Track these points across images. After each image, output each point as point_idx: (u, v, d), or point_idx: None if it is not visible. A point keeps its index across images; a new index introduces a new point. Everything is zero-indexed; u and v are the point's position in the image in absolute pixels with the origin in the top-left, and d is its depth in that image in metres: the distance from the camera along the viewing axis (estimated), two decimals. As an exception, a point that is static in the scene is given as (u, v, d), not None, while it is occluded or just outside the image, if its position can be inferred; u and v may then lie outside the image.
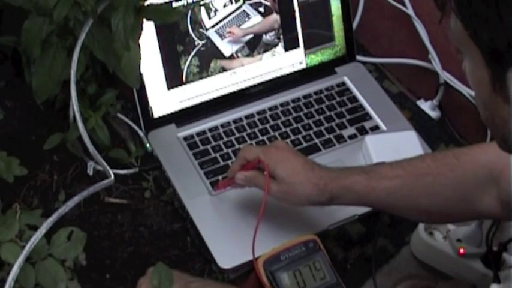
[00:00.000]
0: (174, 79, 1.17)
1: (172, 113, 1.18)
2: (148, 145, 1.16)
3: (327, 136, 1.20)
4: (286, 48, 1.25)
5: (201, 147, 1.15)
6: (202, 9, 1.16)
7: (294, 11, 1.24)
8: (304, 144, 1.18)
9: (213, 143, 1.16)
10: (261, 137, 1.18)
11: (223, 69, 1.20)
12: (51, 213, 0.92)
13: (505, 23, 0.57)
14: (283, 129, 1.20)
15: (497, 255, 1.01)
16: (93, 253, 1.03)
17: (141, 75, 1.08)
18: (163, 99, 1.17)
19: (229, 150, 1.15)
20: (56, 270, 0.87)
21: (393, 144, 1.14)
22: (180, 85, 1.18)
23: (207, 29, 1.17)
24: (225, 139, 1.17)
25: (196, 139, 1.16)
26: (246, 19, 1.21)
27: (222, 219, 1.07)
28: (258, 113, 1.21)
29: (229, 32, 1.20)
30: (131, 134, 1.18)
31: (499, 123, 0.66)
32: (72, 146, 1.12)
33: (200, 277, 1.01)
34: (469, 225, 1.03)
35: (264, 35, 1.23)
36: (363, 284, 1.05)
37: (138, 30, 0.99)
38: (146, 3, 1.01)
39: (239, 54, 1.21)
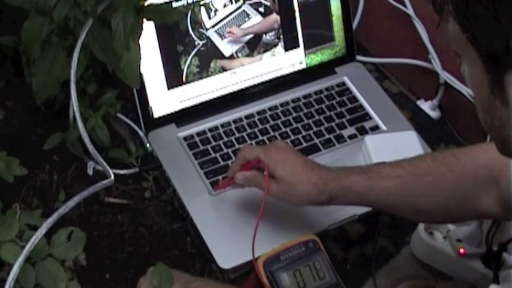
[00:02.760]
0: (174, 79, 1.17)
1: (172, 113, 1.18)
2: (148, 145, 1.16)
3: (327, 136, 1.20)
4: (286, 48, 1.25)
5: (201, 147, 1.15)
6: (202, 9, 1.17)
7: (294, 11, 1.24)
8: (304, 144, 1.18)
9: (213, 143, 1.16)
10: (261, 137, 1.18)
11: (223, 69, 1.20)
12: (51, 213, 0.92)
13: (503, 26, 0.57)
14: (283, 129, 1.20)
15: (497, 255, 1.01)
16: (93, 253, 1.03)
17: (141, 75, 1.08)
18: (163, 99, 1.17)
19: (229, 150, 1.15)
20: (56, 270, 0.87)
21: (393, 144, 1.15)
22: (180, 85, 1.18)
23: (207, 29, 1.17)
24: (225, 139, 1.17)
25: (196, 139, 1.16)
26: (246, 19, 1.21)
27: (222, 219, 1.07)
28: (258, 113, 1.21)
29: (229, 32, 1.20)
30: (131, 134, 1.18)
31: (498, 126, 0.66)
32: (72, 146, 1.12)
33: (200, 277, 1.01)
34: (469, 225, 1.03)
35: (264, 35, 1.23)
36: (363, 284, 1.05)
37: (138, 30, 0.99)
38: (146, 3, 1.01)
39: (239, 54, 1.21)
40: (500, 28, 0.57)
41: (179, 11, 1.14)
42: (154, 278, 0.89)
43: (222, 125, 1.19)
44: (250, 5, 1.21)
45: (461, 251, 1.03)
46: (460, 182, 0.92)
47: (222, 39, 1.19)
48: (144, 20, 0.99)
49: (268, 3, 1.22)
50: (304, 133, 1.19)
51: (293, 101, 1.24)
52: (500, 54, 0.59)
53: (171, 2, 1.13)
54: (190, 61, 1.17)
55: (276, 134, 1.19)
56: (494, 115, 0.65)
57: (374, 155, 1.13)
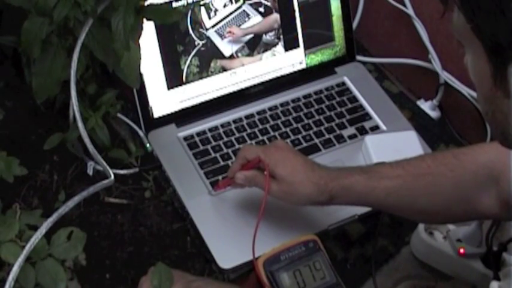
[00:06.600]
0: (174, 79, 1.17)
1: (172, 113, 1.18)
2: (148, 145, 1.16)
3: (327, 136, 1.20)
4: (286, 48, 1.25)
5: (201, 147, 1.15)
6: (202, 9, 1.17)
7: (294, 11, 1.24)
8: (304, 144, 1.18)
9: (213, 143, 1.16)
10: (261, 137, 1.18)
11: (223, 69, 1.20)
12: (51, 213, 0.92)
13: (507, 17, 0.57)
14: (283, 129, 1.20)
15: (497, 255, 1.01)
16: (93, 253, 1.03)
17: (141, 75, 1.08)
18: (163, 99, 1.17)
19: (229, 150, 1.15)
20: (56, 270, 0.87)
21: (393, 144, 1.15)
22: (180, 85, 1.18)
23: (207, 29, 1.17)
24: (225, 139, 1.17)
25: (196, 139, 1.16)
26: (246, 19, 1.21)
27: (222, 219, 1.07)
28: (258, 113, 1.21)
29: (229, 32, 1.20)
30: (131, 134, 1.18)
31: (499, 118, 0.66)
32: (72, 146, 1.12)
33: (201, 277, 1.01)
34: (469, 225, 1.03)
35: (264, 35, 1.23)
36: (363, 284, 1.05)
37: (138, 30, 0.99)
38: (146, 3, 1.01)
39: (239, 54, 1.21)
40: (505, 20, 0.58)
41: (179, 11, 1.14)
42: (154, 278, 0.90)
43: (222, 125, 1.19)
44: (250, 5, 1.21)
45: (461, 251, 1.03)
46: (460, 182, 0.92)
47: (222, 39, 1.19)
48: (144, 20, 0.99)
49: (268, 3, 1.22)
50: (304, 133, 1.19)
51: (293, 101, 1.24)
52: (505, 45, 0.59)
53: (171, 2, 1.13)
54: (190, 61, 1.17)
55: (276, 134, 1.19)
56: (496, 107, 0.65)
57: (374, 155, 1.13)
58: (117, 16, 0.95)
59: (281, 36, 1.24)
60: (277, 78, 1.25)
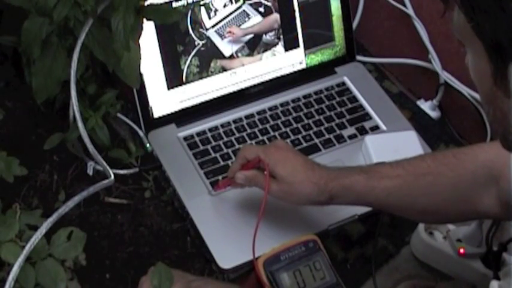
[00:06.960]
0: (174, 79, 1.17)
1: (172, 113, 1.18)
2: (148, 145, 1.16)
3: (327, 136, 1.20)
4: (286, 48, 1.25)
5: (201, 147, 1.15)
6: (202, 9, 1.17)
7: (294, 11, 1.24)
8: (304, 144, 1.18)
9: (213, 143, 1.16)
10: (261, 137, 1.18)
11: (223, 69, 1.20)
12: (51, 213, 0.92)
13: (508, 16, 0.57)
14: (283, 129, 1.20)
15: (497, 255, 1.01)
16: (93, 253, 1.03)
17: (141, 75, 1.08)
18: (163, 99, 1.17)
19: (229, 150, 1.15)
20: (56, 270, 0.87)
21: (393, 144, 1.15)
22: (180, 85, 1.18)
23: (207, 29, 1.17)
24: (225, 139, 1.17)
25: (196, 139, 1.16)
26: (246, 19, 1.21)
27: (222, 219, 1.07)
28: (258, 113, 1.21)
29: (229, 32, 1.20)
30: (131, 134, 1.18)
31: (500, 117, 0.66)
32: (72, 146, 1.12)
33: (201, 276, 1.01)
34: (469, 225, 1.03)
35: (264, 35, 1.23)
36: (363, 284, 1.05)
37: (138, 30, 0.99)
38: (146, 3, 1.01)
39: (239, 54, 1.21)
40: (505, 19, 0.58)
41: (179, 11, 1.14)
42: (154, 278, 0.90)
43: (222, 125, 1.19)
44: (250, 5, 1.21)
45: (461, 251, 1.03)
46: (460, 182, 0.92)
47: (222, 39, 1.19)
48: (144, 20, 0.99)
49: (268, 3, 1.22)
50: (304, 133, 1.19)
51: (293, 101, 1.24)
52: (505, 44, 0.59)
53: (171, 2, 1.13)
54: (190, 61, 1.17)
55: (276, 134, 1.19)
56: (496, 106, 0.65)
57: (374, 155, 1.13)
58: (117, 16, 0.95)
59: (281, 36, 1.24)
60: (277, 78, 1.25)
